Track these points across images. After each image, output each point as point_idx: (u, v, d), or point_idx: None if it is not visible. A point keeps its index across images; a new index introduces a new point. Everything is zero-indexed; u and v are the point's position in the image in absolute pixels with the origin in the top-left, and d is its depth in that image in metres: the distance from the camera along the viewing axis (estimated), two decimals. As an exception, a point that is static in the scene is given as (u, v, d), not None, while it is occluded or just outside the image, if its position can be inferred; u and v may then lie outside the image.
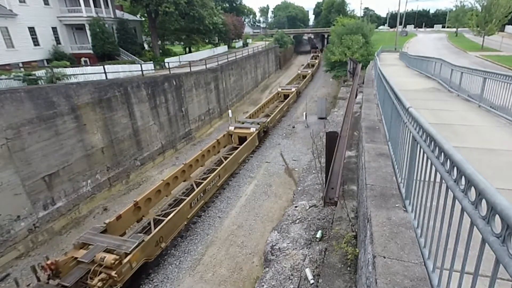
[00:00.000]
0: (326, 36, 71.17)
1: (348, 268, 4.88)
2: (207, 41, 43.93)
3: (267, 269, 9.14)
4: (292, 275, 7.88)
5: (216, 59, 30.61)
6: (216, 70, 28.33)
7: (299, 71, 48.38)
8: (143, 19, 40.54)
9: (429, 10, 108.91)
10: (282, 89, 34.75)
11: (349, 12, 71.45)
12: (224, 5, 67.36)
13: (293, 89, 34.00)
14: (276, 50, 57.33)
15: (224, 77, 30.26)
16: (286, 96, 32.83)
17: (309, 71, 47.70)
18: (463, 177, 1.92)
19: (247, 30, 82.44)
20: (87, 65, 24.82)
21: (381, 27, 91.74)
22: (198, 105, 24.89)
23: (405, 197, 3.50)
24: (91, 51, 29.28)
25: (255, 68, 42.80)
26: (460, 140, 6.31)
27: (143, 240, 9.47)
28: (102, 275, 8.05)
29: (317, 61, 59.28)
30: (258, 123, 21.61)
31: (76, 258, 8.82)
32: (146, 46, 39.82)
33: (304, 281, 7.14)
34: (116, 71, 21.36)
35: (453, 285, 2.00)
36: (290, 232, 10.30)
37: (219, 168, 15.20)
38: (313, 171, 15.97)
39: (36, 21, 26.17)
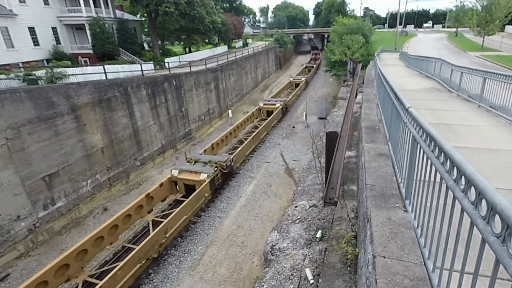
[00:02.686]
0: (326, 36, 71.10)
1: (348, 268, 4.87)
2: (206, 41, 43.92)
3: (267, 269, 9.14)
4: (292, 275, 7.88)
5: (216, 59, 30.62)
6: (216, 70, 28.33)
7: (262, 104, 26.99)
8: (143, 19, 40.56)
9: (429, 10, 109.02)
10: (177, 176, 14.19)
11: (349, 12, 71.48)
12: (224, 5, 67.39)
13: (201, 178, 13.87)
14: (276, 50, 57.33)
15: (224, 77, 30.26)
16: (188, 191, 14.01)
17: (278, 105, 26.45)
18: (463, 177, 1.92)
19: (247, 30, 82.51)
20: (87, 65, 24.83)
21: (377, 25, 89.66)
22: (198, 105, 24.89)
23: (405, 197, 3.50)
24: (91, 51, 29.30)
25: (255, 68, 42.79)
26: (460, 140, 6.31)
27: None
28: None
29: (303, 79, 38.96)
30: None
31: None
32: (146, 46, 39.83)
33: (304, 281, 7.14)
34: (116, 71, 21.38)
35: (453, 285, 2.00)
36: (290, 232, 10.30)
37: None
38: (313, 171, 15.97)
39: (36, 21, 26.19)
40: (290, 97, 30.78)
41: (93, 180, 15.15)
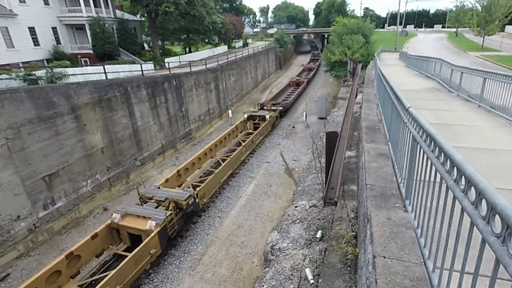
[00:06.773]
0: (326, 36, 71.07)
1: (348, 268, 4.87)
2: (206, 41, 43.88)
3: (267, 269, 9.14)
4: (292, 275, 7.88)
5: (216, 59, 30.60)
6: (216, 70, 28.32)
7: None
8: (143, 19, 40.56)
9: (429, 10, 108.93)
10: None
11: (349, 12, 71.51)
12: (224, 5, 67.36)
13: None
14: (276, 50, 57.29)
15: (224, 77, 30.25)
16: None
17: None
18: (463, 177, 1.91)
19: (247, 30, 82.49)
20: (87, 65, 24.83)
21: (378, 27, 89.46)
22: (198, 105, 24.89)
23: (405, 197, 3.50)
24: (91, 51, 29.29)
25: (255, 68, 42.75)
26: (460, 140, 6.30)
27: None
28: None
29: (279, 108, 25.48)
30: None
31: None
32: (146, 46, 39.80)
33: (304, 281, 7.14)
34: (116, 71, 21.35)
35: (453, 285, 2.00)
36: (290, 232, 10.30)
37: None
38: (313, 171, 15.97)
39: (36, 21, 26.18)
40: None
41: (93, 180, 15.15)
